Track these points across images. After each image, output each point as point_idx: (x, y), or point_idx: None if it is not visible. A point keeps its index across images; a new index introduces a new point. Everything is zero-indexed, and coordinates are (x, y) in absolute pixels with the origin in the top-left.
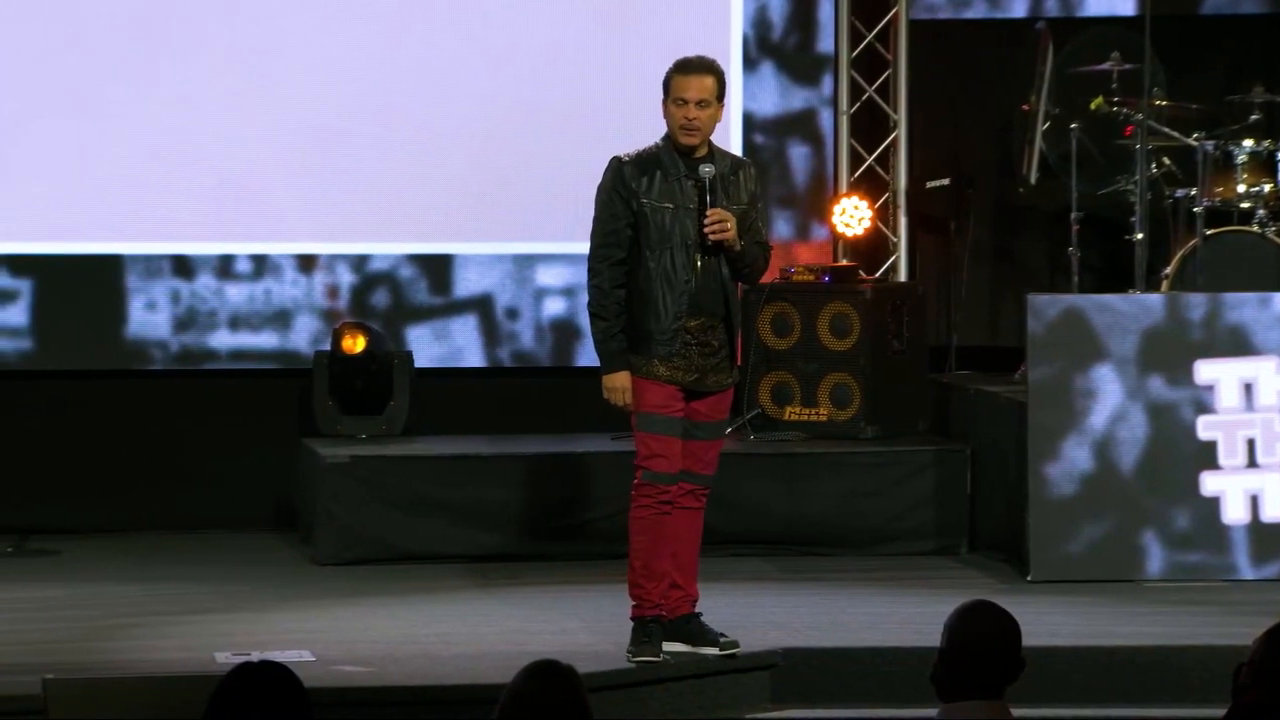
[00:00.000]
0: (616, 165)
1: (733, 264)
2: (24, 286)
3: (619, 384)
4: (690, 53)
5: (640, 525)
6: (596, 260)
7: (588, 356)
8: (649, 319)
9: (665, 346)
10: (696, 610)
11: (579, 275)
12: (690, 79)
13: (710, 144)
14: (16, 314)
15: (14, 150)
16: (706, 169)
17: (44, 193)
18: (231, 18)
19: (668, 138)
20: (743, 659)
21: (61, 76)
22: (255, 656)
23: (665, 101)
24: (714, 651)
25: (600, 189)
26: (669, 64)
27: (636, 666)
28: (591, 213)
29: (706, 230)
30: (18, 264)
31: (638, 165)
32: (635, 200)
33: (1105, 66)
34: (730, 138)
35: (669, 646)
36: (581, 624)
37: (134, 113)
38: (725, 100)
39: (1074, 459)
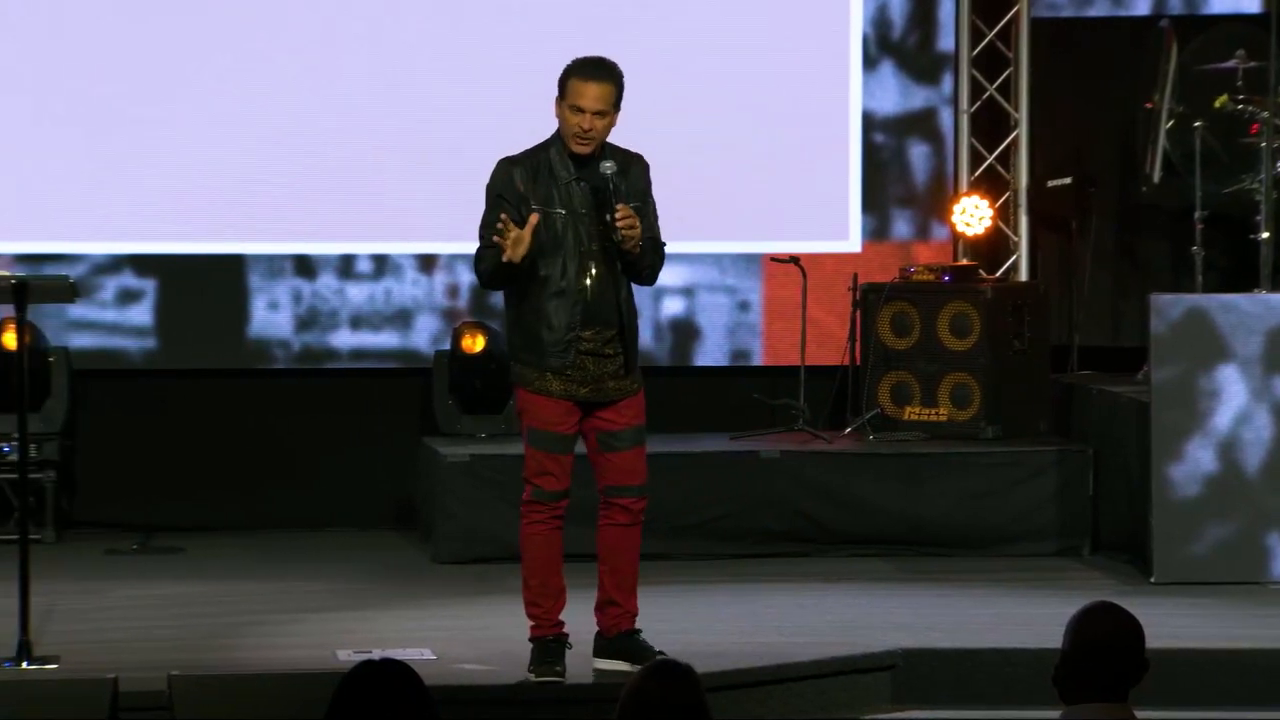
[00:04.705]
0: (505, 168)
1: (632, 266)
2: (149, 286)
3: (515, 233)
4: (813, 52)
5: (535, 543)
6: (479, 257)
7: (707, 356)
8: (541, 329)
9: (558, 358)
10: (637, 627)
11: (698, 275)
12: (590, 85)
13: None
14: (141, 313)
15: (139, 152)
16: (608, 165)
17: (168, 194)
18: (352, 17)
19: (558, 137)
20: (862, 660)
21: (186, 79)
22: (377, 654)
23: (560, 103)
24: None
25: (488, 190)
26: (787, 63)
27: (540, 685)
28: (705, 212)
29: (619, 224)
30: (143, 264)
31: (527, 168)
32: (525, 205)
33: (1230, 64)
34: (850, 137)
35: (609, 665)
36: (699, 623)
37: (257, 114)
38: (621, 106)
39: (1198, 460)
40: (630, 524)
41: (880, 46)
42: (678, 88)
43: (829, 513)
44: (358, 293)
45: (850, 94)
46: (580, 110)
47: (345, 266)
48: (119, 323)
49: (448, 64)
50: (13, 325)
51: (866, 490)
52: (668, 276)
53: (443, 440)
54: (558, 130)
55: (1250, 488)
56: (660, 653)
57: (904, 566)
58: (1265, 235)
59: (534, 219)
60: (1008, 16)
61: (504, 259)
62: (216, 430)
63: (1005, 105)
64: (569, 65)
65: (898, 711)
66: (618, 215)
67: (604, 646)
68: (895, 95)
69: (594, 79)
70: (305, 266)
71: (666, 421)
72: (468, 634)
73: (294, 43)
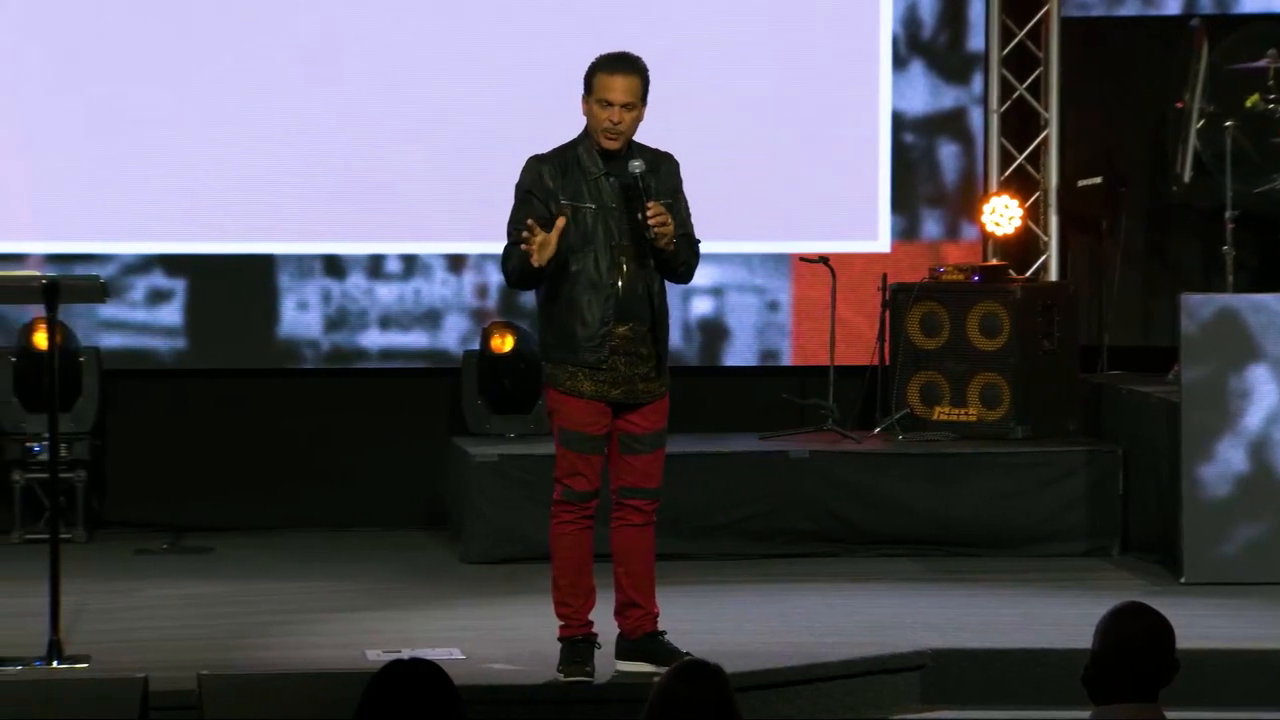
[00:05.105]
0: (534, 165)
1: (667, 263)
2: (178, 286)
3: (541, 236)
4: (843, 51)
5: (565, 543)
6: (506, 255)
7: (736, 356)
8: (575, 324)
9: (592, 353)
10: (660, 629)
11: (727, 275)
12: (617, 79)
13: (629, 140)
14: (170, 313)
15: (169, 152)
16: (636, 164)
17: (197, 194)
18: (377, 21)
19: (586, 134)
20: (892, 660)
21: (216, 80)
22: (406, 654)
23: (587, 99)
24: None
25: (518, 188)
26: (817, 63)
27: (569, 685)
28: (734, 212)
29: (651, 221)
30: (172, 264)
31: (556, 165)
32: (554, 201)
33: (1261, 63)
34: (880, 137)
35: (632, 666)
36: (728, 623)
37: (286, 115)
38: (649, 100)
39: (1228, 460)
40: (644, 524)
41: (910, 46)
42: (706, 88)
43: (858, 513)
44: (387, 293)
45: (880, 94)
46: (609, 104)
47: (374, 266)
48: (149, 323)
49: (473, 67)
50: (44, 325)
51: (896, 490)
52: (697, 276)
53: (472, 440)
54: (585, 129)
55: None
56: (687, 654)
57: (933, 567)
58: None
59: (561, 222)
60: (1038, 16)
61: (533, 263)
62: (246, 430)
63: (1035, 105)
64: (594, 61)
65: (927, 712)
66: (649, 212)
67: (628, 648)
68: (925, 95)
69: (620, 72)
70: (334, 266)
71: (696, 421)
72: (496, 634)
73: (321, 46)
